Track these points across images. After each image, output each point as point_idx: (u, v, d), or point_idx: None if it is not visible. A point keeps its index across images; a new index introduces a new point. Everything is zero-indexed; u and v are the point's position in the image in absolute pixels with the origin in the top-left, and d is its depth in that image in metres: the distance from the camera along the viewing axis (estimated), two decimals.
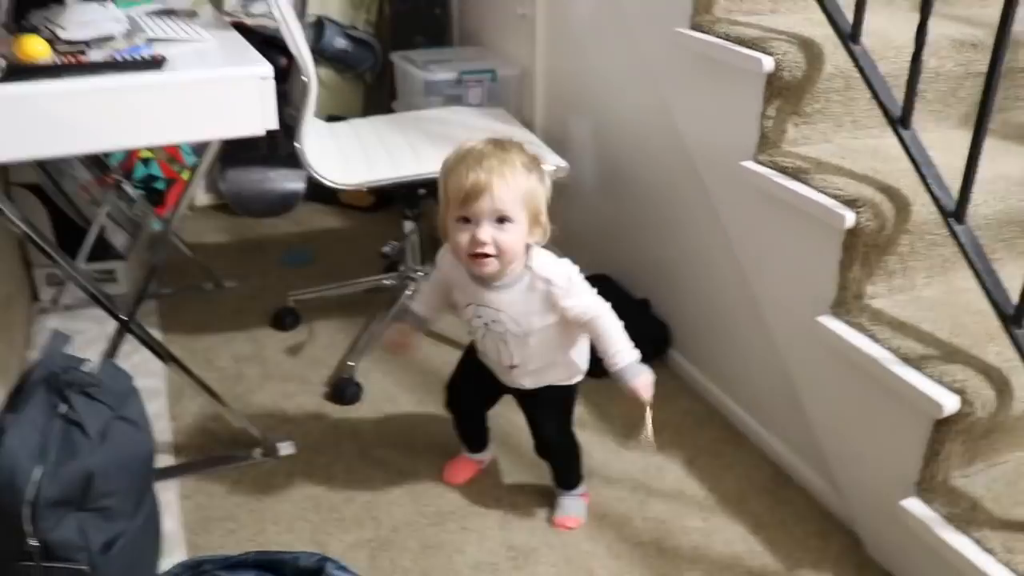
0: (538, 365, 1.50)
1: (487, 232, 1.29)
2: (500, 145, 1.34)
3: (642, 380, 1.41)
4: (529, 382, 1.54)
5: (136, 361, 1.89)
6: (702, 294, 2.02)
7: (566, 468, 1.67)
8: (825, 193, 1.54)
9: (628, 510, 1.71)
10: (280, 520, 1.67)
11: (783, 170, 1.63)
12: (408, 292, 2.22)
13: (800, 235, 1.61)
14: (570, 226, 2.66)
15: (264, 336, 2.29)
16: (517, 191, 1.29)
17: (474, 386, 1.63)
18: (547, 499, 1.71)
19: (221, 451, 1.84)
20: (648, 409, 1.40)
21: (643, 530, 1.66)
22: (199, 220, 2.96)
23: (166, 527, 1.56)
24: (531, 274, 1.38)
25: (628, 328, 2.13)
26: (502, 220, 1.29)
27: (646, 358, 2.14)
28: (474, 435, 1.76)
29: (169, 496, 1.70)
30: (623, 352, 1.42)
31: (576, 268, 1.41)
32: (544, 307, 1.39)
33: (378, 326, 2.17)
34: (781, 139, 1.70)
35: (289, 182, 3.01)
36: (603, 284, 2.36)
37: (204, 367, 2.11)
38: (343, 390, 2.02)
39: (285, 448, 1.85)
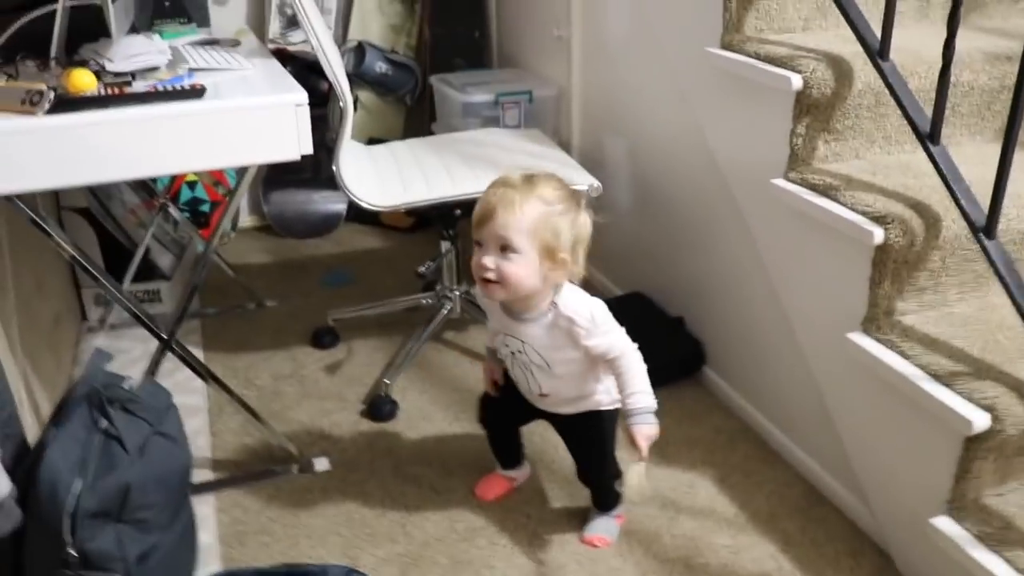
0: (570, 395, 1.50)
1: (490, 258, 1.31)
2: (530, 178, 1.35)
3: (646, 430, 1.40)
4: (565, 409, 1.54)
5: (179, 379, 1.95)
6: (735, 311, 2.01)
7: (606, 492, 1.65)
8: (854, 210, 1.54)
9: (658, 527, 1.71)
10: (313, 534, 1.69)
11: (813, 187, 1.63)
12: (445, 311, 2.24)
13: (830, 252, 1.61)
14: (604, 244, 2.62)
15: (303, 355, 2.31)
16: (524, 222, 1.29)
17: (507, 404, 1.63)
18: (579, 517, 1.71)
19: (258, 466, 1.87)
20: (640, 461, 1.39)
21: (672, 547, 1.66)
22: (243, 241, 3.00)
23: (202, 540, 1.59)
24: (555, 311, 1.39)
25: (662, 346, 2.18)
26: (505, 248, 1.30)
27: (679, 375, 2.19)
28: (507, 452, 1.77)
29: (206, 510, 1.73)
30: (640, 395, 1.41)
31: (603, 307, 1.40)
32: (567, 343, 1.40)
33: (415, 344, 2.20)
34: (811, 156, 1.70)
35: (331, 203, 3.05)
36: (637, 302, 2.42)
37: (244, 385, 2.15)
38: (379, 408, 2.04)
39: (321, 464, 1.88)
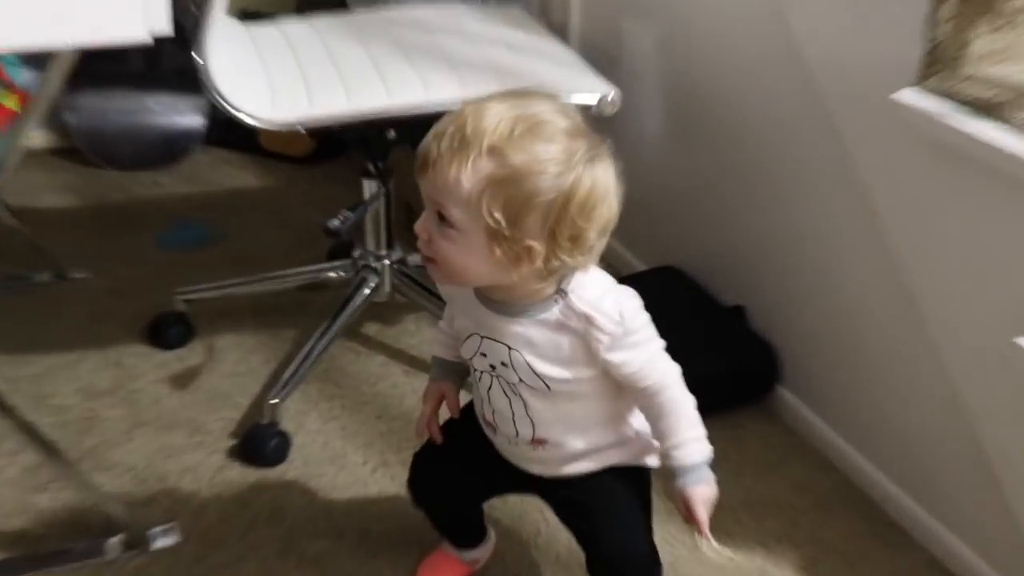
0: (577, 444, 1.48)
1: (424, 224, 1.33)
2: (523, 101, 1.30)
3: (704, 492, 1.42)
4: (569, 469, 1.51)
5: None
6: (830, 301, 1.99)
7: None
8: None
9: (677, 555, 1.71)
10: None
11: (965, 103, 1.61)
12: (366, 291, 2.24)
13: (992, 206, 1.59)
14: (621, 194, 2.67)
15: (134, 357, 2.28)
16: (462, 188, 1.26)
17: (465, 462, 1.60)
18: None
19: (58, 540, 1.81)
20: (702, 530, 1.42)
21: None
22: (32, 172, 2.97)
23: None
24: (564, 305, 1.36)
25: (709, 351, 2.21)
26: (441, 218, 1.31)
27: (738, 397, 2.22)
28: (461, 530, 1.76)
29: None
30: (691, 443, 1.42)
31: (637, 302, 1.39)
32: (576, 355, 1.39)
33: (318, 343, 2.17)
34: (962, 55, 1.66)
35: (178, 116, 3.04)
36: (670, 282, 2.45)
37: (34, 406, 2.10)
38: (260, 444, 2.01)
39: (163, 538, 1.82)
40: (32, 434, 1.78)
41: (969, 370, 1.68)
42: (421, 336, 2.34)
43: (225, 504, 1.90)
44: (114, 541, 1.79)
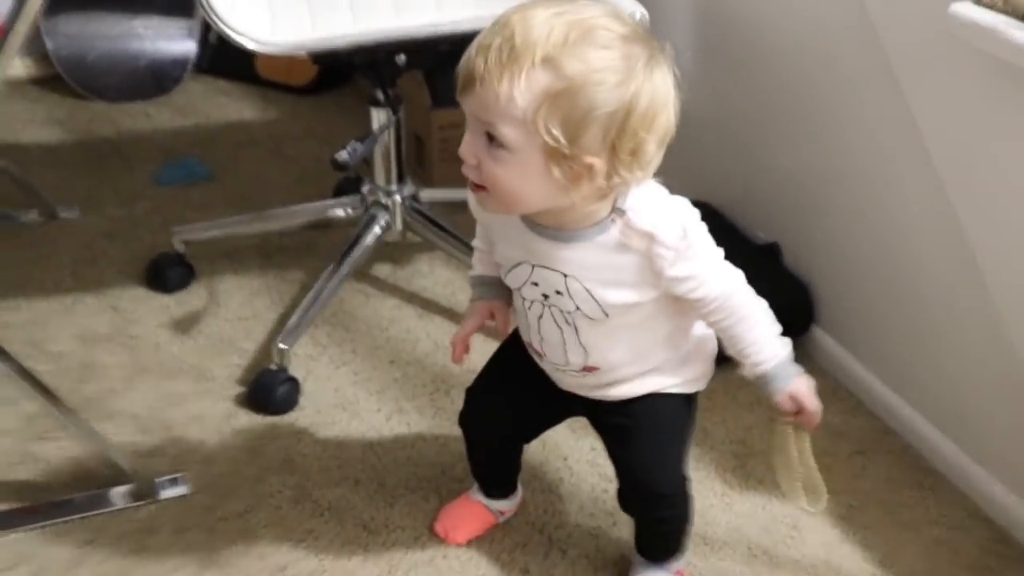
0: (629, 369, 1.51)
1: (471, 147, 1.32)
2: (572, 6, 1.28)
3: (801, 385, 1.45)
4: (616, 392, 1.54)
5: None
6: (870, 235, 2.00)
7: (667, 531, 1.66)
8: None
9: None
10: None
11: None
12: (377, 229, 2.23)
13: None
14: None
15: (132, 301, 2.30)
16: (516, 104, 1.25)
17: (516, 398, 1.63)
18: (610, 573, 1.71)
19: (60, 491, 1.84)
20: (806, 442, 1.47)
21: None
22: (13, 103, 2.97)
23: None
24: (623, 223, 1.37)
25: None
26: (491, 138, 1.29)
27: None
28: (500, 474, 1.78)
29: None
30: (769, 344, 1.45)
31: (696, 213, 1.40)
32: (639, 277, 1.39)
33: (326, 285, 2.18)
34: None
35: (168, 42, 3.02)
36: (703, 219, 2.48)
37: (29, 353, 2.11)
38: (268, 390, 2.04)
39: (170, 488, 1.86)
40: (31, 381, 1.79)
41: (1018, 308, 1.69)
42: (435, 278, 2.35)
43: (234, 453, 1.93)
44: (120, 491, 1.83)
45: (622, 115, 1.27)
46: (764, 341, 1.44)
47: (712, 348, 1.56)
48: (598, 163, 1.27)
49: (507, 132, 1.26)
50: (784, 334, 2.14)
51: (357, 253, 2.21)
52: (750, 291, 1.45)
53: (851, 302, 2.10)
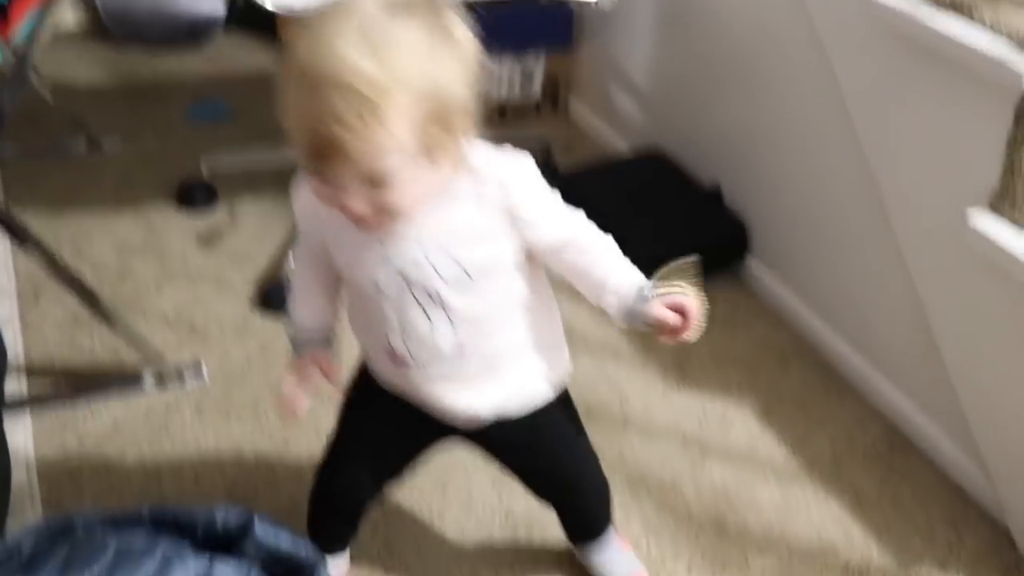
0: (497, 345, 1.31)
1: (359, 201, 1.12)
2: (344, 16, 1.09)
3: (659, 304, 1.27)
4: (488, 399, 1.33)
5: None
6: (797, 179, 2.02)
7: (595, 505, 1.54)
8: (996, 33, 1.50)
9: (677, 475, 1.75)
10: (183, 471, 1.70)
11: (935, 1, 1.60)
12: None
13: (950, 97, 1.60)
14: (607, 79, 2.70)
15: (163, 218, 2.31)
16: (397, 141, 1.08)
17: (377, 456, 1.44)
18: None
19: (95, 376, 1.87)
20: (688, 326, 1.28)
21: (696, 502, 1.70)
22: (65, 51, 2.93)
23: (14, 476, 1.57)
24: (472, 178, 1.20)
25: (690, 225, 2.20)
26: (376, 183, 1.11)
27: (712, 266, 2.10)
28: (348, 529, 1.55)
29: (17, 437, 1.72)
30: (623, 270, 1.29)
31: (532, 161, 1.25)
32: (494, 227, 1.23)
33: None
34: None
35: (204, 2, 2.95)
36: (654, 164, 2.43)
37: (73, 259, 2.13)
38: (278, 296, 2.05)
39: (193, 377, 1.89)
40: (77, 282, 1.81)
41: (917, 241, 1.72)
42: None
43: (248, 348, 1.96)
44: (149, 378, 1.86)
45: (464, 81, 1.12)
46: (618, 267, 1.29)
47: (561, 337, 1.40)
48: (465, 121, 1.14)
49: (390, 165, 1.09)
50: (723, 263, 2.19)
51: None
52: (593, 226, 1.30)
53: (781, 236, 2.11)
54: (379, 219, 1.14)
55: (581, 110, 2.71)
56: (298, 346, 1.38)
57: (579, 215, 1.29)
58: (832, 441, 1.83)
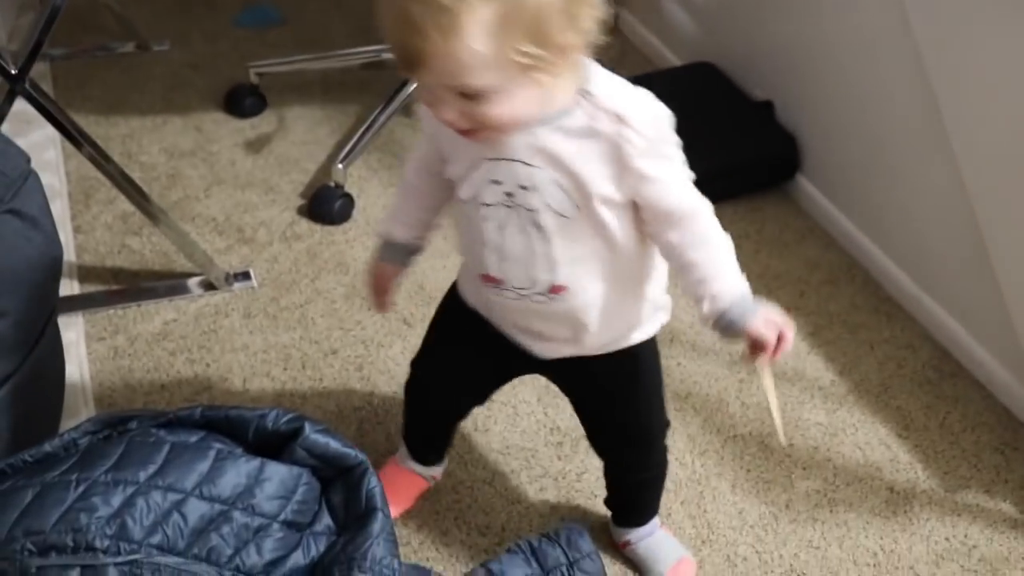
0: (598, 293, 1.23)
1: (452, 111, 1.08)
2: None
3: (761, 319, 1.17)
4: (575, 340, 1.28)
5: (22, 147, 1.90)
6: (853, 96, 1.98)
7: (651, 480, 1.47)
8: None
9: (722, 392, 1.75)
10: (231, 375, 1.71)
11: None
12: None
13: (1018, 14, 1.55)
14: None
15: (212, 124, 2.30)
16: (480, 56, 1.02)
17: (465, 365, 1.40)
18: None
19: (145, 279, 1.89)
20: (766, 373, 1.21)
21: (742, 420, 1.70)
22: None
23: (68, 374, 1.58)
24: (590, 104, 1.13)
25: (740, 141, 2.18)
26: (467, 96, 1.06)
27: (762, 184, 2.19)
28: (441, 440, 1.57)
29: (70, 335, 1.72)
30: (734, 281, 1.19)
31: (668, 111, 1.16)
32: (608, 167, 1.14)
33: (378, 116, 2.16)
34: None
35: None
36: (704, 77, 2.40)
37: (124, 162, 2.11)
38: (326, 203, 2.05)
39: (240, 281, 1.90)
40: (127, 184, 1.81)
41: (980, 164, 1.69)
42: None
43: (296, 254, 1.96)
44: (198, 280, 1.87)
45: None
46: (729, 271, 1.19)
47: (663, 285, 1.32)
48: (570, 39, 1.06)
49: (481, 80, 1.04)
50: (773, 180, 2.18)
51: (406, 91, 2.17)
52: (717, 222, 1.19)
53: (832, 154, 2.09)
54: (477, 132, 1.09)
55: (632, 23, 2.64)
56: (378, 250, 1.36)
57: (705, 201, 1.18)
58: (881, 364, 1.81)
